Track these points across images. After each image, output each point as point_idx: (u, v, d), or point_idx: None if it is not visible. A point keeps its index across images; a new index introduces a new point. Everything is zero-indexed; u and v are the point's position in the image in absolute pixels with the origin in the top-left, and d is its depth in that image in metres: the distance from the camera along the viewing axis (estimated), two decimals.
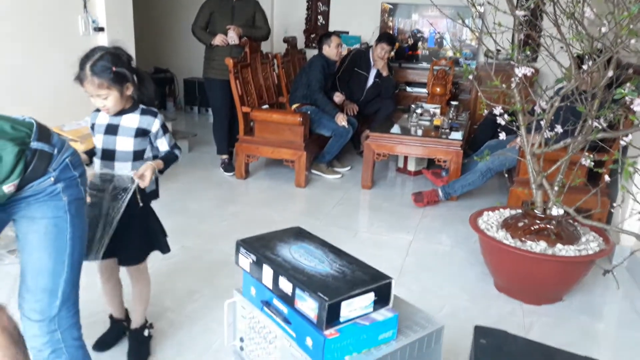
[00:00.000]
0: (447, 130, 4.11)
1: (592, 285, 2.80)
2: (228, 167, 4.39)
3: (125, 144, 1.88)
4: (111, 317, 2.15)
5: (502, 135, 2.69)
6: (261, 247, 1.38)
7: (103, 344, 2.10)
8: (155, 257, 2.15)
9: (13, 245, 2.70)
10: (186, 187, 4.06)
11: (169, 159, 1.97)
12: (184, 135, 5.10)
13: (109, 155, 1.88)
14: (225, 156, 4.44)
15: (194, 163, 4.69)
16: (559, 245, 2.47)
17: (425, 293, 2.60)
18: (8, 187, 1.26)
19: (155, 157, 1.96)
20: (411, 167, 4.59)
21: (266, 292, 1.33)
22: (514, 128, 2.58)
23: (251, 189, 4.16)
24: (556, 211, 2.52)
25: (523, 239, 2.54)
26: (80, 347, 1.44)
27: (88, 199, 1.55)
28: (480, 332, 1.28)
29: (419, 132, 4.16)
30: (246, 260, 1.38)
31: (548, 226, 2.52)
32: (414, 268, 2.89)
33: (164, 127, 1.96)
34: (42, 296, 1.35)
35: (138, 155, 1.92)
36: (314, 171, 4.42)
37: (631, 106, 1.86)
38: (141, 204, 1.87)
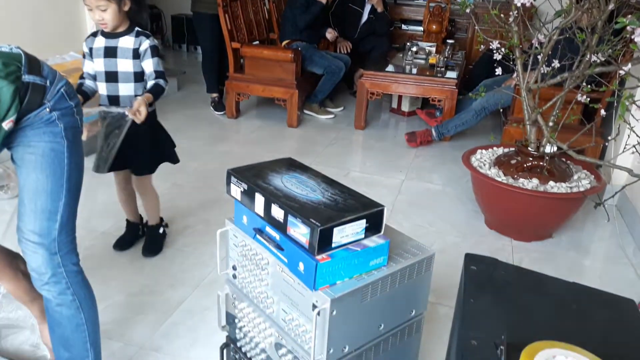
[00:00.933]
0: (443, 69, 4.03)
1: (581, 223, 2.84)
2: (218, 105, 4.31)
3: (125, 65, 2.01)
4: (127, 221, 2.40)
5: (499, 71, 2.63)
6: (252, 176, 1.36)
7: (122, 242, 2.36)
8: None
9: (2, 181, 2.67)
10: (176, 125, 3.97)
11: (157, 92, 2.03)
12: (173, 73, 4.98)
13: (112, 77, 2.02)
14: (215, 95, 4.35)
15: (184, 102, 4.60)
16: (550, 183, 2.47)
17: (415, 229, 2.62)
18: (7, 124, 1.23)
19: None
20: (405, 107, 4.54)
21: (258, 220, 1.32)
22: (511, 64, 2.53)
23: (242, 128, 4.10)
24: (549, 148, 2.51)
25: (515, 176, 2.54)
26: (80, 272, 1.44)
27: (85, 133, 1.53)
28: (471, 259, 1.29)
29: (414, 70, 4.09)
30: (237, 189, 1.37)
31: (541, 163, 2.51)
32: (405, 206, 2.90)
33: (153, 50, 2.03)
34: (42, 217, 1.34)
35: (139, 77, 2.04)
36: (306, 111, 4.36)
37: (632, 37, 1.81)
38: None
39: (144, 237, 2.40)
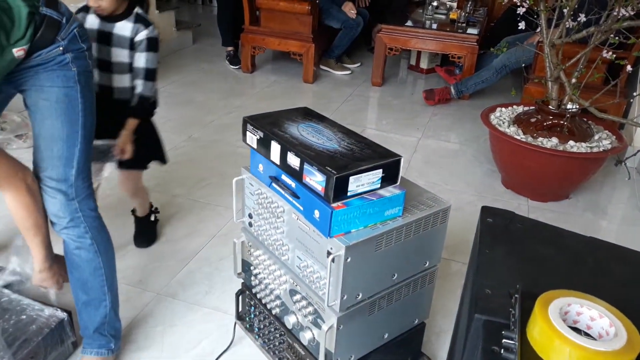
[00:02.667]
0: (464, 25, 3.92)
1: (599, 185, 2.80)
2: (234, 59, 4.26)
3: (120, 55, 1.73)
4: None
5: (521, 26, 2.55)
6: (268, 124, 1.35)
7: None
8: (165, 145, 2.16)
9: (20, 130, 2.69)
10: (191, 79, 3.98)
11: (142, 109, 1.78)
12: (188, 26, 4.91)
13: (105, 66, 1.75)
14: (230, 48, 4.30)
15: (199, 55, 4.56)
16: (570, 142, 2.43)
17: (431, 187, 2.60)
18: (18, 51, 1.22)
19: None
20: (423, 64, 4.45)
21: (274, 169, 1.32)
22: (534, 19, 2.45)
23: (257, 83, 4.07)
24: (571, 106, 2.45)
25: (535, 135, 2.49)
26: (98, 217, 1.46)
27: None
28: (487, 211, 1.28)
29: (434, 26, 3.98)
30: (253, 137, 1.36)
31: (561, 122, 2.46)
32: (420, 164, 2.88)
33: (150, 43, 1.74)
34: (58, 163, 1.35)
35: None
36: (322, 67, 4.30)
37: None
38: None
39: (134, 225, 2.14)
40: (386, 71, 4.16)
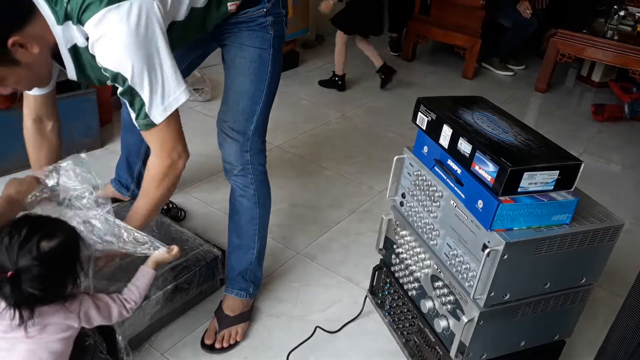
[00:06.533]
0: None
1: None
2: (396, 45, 4.27)
3: None
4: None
5: None
6: (442, 107, 1.35)
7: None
8: (318, 121, 2.24)
9: (198, 84, 2.96)
10: (350, 61, 4.04)
11: None
12: None
13: None
14: (395, 34, 4.31)
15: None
16: None
17: None
18: (232, 5, 1.34)
19: None
20: (596, 77, 4.10)
21: (440, 152, 1.31)
22: None
23: (415, 72, 4.04)
24: None
25: None
26: (264, 172, 1.57)
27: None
28: None
29: (616, 37, 3.64)
30: (424, 118, 1.36)
31: None
32: (579, 181, 2.67)
33: None
34: (240, 117, 1.47)
35: None
36: (484, 64, 4.15)
37: None
38: None
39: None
40: (552, 78, 3.90)
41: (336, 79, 3.44)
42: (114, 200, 1.87)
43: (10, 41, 1.06)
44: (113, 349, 1.38)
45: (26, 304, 1.01)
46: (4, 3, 1.05)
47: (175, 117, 1.23)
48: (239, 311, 1.60)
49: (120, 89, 1.16)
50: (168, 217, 1.85)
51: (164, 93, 1.17)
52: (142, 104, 1.16)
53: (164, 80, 1.17)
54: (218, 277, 1.71)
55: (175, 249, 1.28)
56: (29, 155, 1.47)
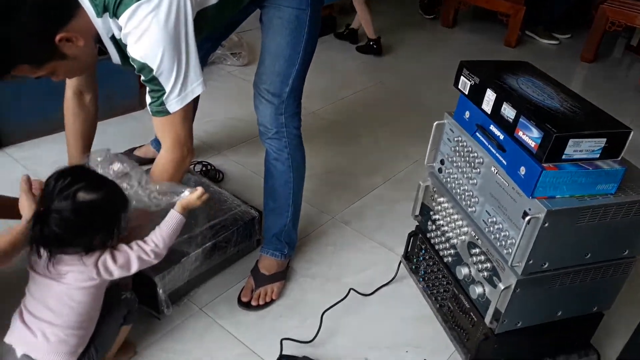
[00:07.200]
0: None
1: None
2: (428, 8, 4.15)
3: None
4: None
5: None
6: (486, 71, 1.31)
7: None
8: (355, 87, 2.19)
9: (235, 49, 2.96)
10: (385, 24, 3.95)
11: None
12: None
13: None
14: None
15: (397, 1, 4.50)
16: None
17: None
18: None
19: None
20: None
21: (482, 117, 1.29)
22: None
23: (455, 40, 3.94)
24: None
25: None
26: (298, 136, 1.57)
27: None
28: None
29: None
30: (467, 83, 1.34)
31: None
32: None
33: None
34: (277, 79, 1.47)
35: None
36: (527, 32, 4.01)
37: None
38: None
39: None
40: (600, 48, 3.75)
41: (371, 43, 3.38)
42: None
43: (57, 37, 1.11)
44: (154, 302, 1.44)
45: (46, 243, 1.06)
46: (52, 3, 1.10)
47: (187, 109, 1.25)
48: (274, 270, 1.63)
49: (143, 78, 1.19)
50: (207, 178, 1.89)
51: (185, 84, 1.20)
52: (163, 94, 1.20)
53: (187, 72, 1.20)
54: (255, 237, 1.75)
55: (199, 189, 1.24)
56: (65, 123, 1.55)
